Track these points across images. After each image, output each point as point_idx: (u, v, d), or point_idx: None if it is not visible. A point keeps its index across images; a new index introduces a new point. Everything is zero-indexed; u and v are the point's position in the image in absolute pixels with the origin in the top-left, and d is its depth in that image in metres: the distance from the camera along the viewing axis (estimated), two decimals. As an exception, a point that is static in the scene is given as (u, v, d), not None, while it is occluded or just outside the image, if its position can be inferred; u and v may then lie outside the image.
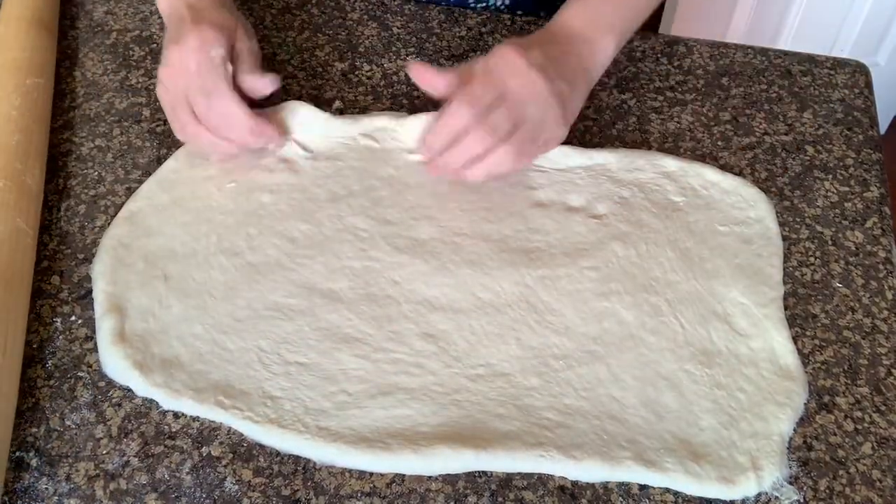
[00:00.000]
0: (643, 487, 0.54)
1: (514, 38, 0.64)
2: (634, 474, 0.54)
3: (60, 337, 0.60)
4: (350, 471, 0.54)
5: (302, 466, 0.55)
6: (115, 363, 0.57)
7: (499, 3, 0.85)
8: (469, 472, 0.55)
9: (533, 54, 0.62)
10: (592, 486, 0.54)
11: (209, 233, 0.65)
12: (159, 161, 0.70)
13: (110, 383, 0.58)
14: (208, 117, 0.64)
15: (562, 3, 0.70)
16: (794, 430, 0.57)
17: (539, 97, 0.62)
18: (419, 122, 0.69)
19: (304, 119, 0.71)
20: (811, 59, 0.81)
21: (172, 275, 0.62)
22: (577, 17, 0.67)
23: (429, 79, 0.64)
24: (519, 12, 0.85)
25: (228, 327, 0.60)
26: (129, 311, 0.60)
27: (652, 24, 1.81)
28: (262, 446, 0.55)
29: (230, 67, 0.64)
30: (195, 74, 0.63)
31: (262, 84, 0.67)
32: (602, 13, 0.67)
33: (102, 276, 0.61)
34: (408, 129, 0.70)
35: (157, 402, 0.57)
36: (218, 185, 0.68)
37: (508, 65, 0.62)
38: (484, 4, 0.85)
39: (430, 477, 0.54)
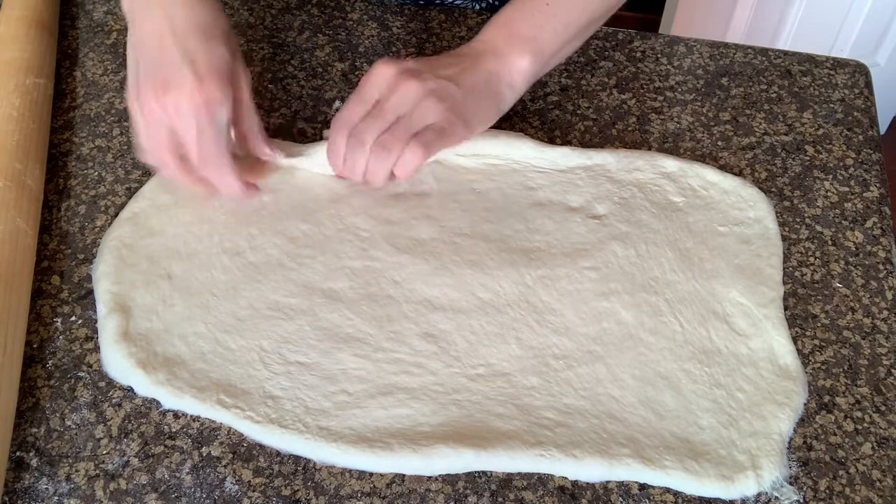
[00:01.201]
0: (643, 487, 0.54)
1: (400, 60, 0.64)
2: (634, 472, 0.54)
3: (60, 337, 0.60)
4: (350, 471, 0.54)
5: (302, 466, 0.55)
6: (119, 362, 0.57)
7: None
8: (469, 472, 0.55)
9: (406, 64, 0.62)
10: (592, 486, 0.54)
11: (211, 233, 0.65)
12: (159, 161, 0.70)
13: (110, 383, 0.58)
14: (199, 169, 0.61)
15: None
16: (794, 430, 0.57)
17: (406, 95, 0.61)
18: None
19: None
20: (811, 59, 0.81)
21: (176, 274, 0.62)
22: (490, 33, 0.67)
23: (333, 167, 0.64)
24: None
25: (230, 326, 0.60)
26: (133, 310, 0.60)
27: (652, 24, 1.81)
28: (262, 446, 0.55)
29: (232, 133, 0.62)
30: (193, 134, 0.58)
31: (267, 155, 0.65)
32: (518, 29, 0.66)
33: (106, 277, 0.62)
34: None
35: (157, 403, 0.57)
36: (218, 186, 0.68)
37: (373, 77, 0.62)
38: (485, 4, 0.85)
39: (430, 477, 0.54)
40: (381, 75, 0.62)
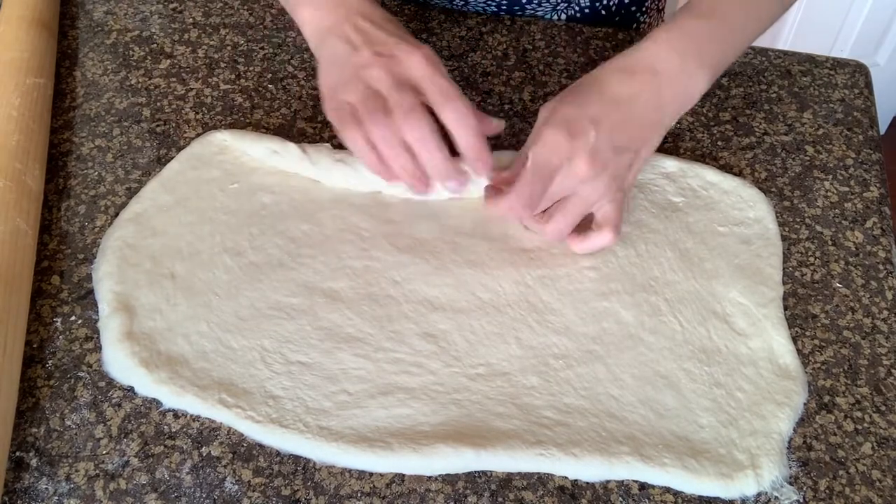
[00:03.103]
0: (643, 487, 0.54)
1: (575, 86, 0.61)
2: (633, 471, 0.54)
3: (60, 337, 0.60)
4: (350, 471, 0.54)
5: (302, 466, 0.55)
6: (122, 361, 0.57)
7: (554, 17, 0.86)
8: (469, 472, 0.55)
9: (579, 127, 0.57)
10: (592, 486, 0.54)
11: (213, 233, 0.65)
12: (159, 161, 0.70)
13: (110, 383, 0.58)
14: (440, 113, 0.57)
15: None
16: (794, 430, 0.57)
17: (584, 179, 0.58)
18: None
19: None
20: (811, 60, 0.81)
21: (179, 273, 0.62)
22: (664, 45, 0.61)
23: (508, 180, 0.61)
24: (517, 9, 0.85)
25: (232, 326, 0.60)
26: (137, 309, 0.60)
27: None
28: (262, 446, 0.55)
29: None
30: (412, 92, 0.56)
31: (493, 126, 0.62)
32: (695, 42, 0.61)
33: (109, 276, 0.62)
34: None
35: (157, 403, 0.57)
36: (220, 186, 0.68)
37: (554, 154, 0.58)
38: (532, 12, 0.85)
39: (430, 477, 0.54)
40: (558, 152, 0.58)
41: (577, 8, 0.87)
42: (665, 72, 0.60)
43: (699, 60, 0.61)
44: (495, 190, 0.61)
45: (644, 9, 0.90)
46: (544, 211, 0.61)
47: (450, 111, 0.56)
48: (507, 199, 0.58)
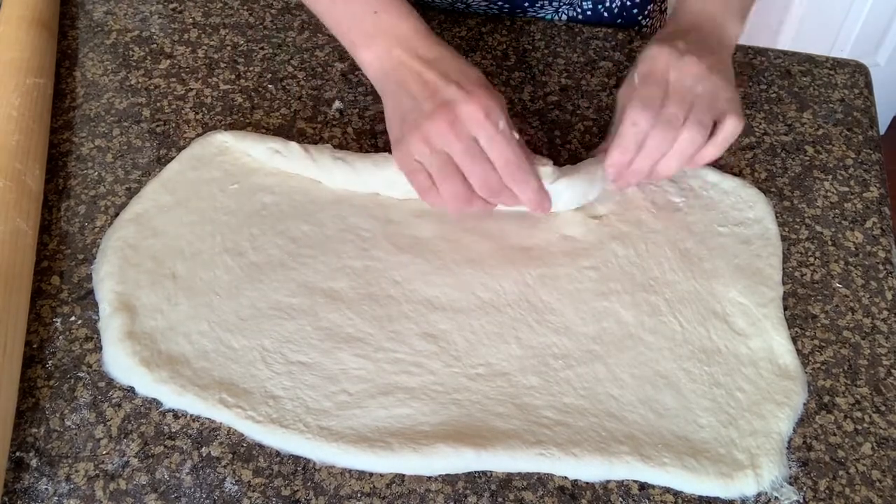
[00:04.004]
0: (643, 487, 0.54)
1: (654, 38, 0.65)
2: (633, 470, 0.54)
3: (60, 337, 0.60)
4: (350, 471, 0.54)
5: (302, 466, 0.55)
6: (123, 360, 0.57)
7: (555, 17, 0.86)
8: (469, 472, 0.55)
9: (678, 44, 0.62)
10: (592, 486, 0.54)
11: (213, 233, 0.65)
12: (159, 161, 0.70)
13: (110, 384, 0.58)
14: (504, 180, 0.60)
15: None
16: (794, 430, 0.57)
17: (700, 76, 0.61)
18: None
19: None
20: (811, 60, 0.81)
21: (180, 273, 0.62)
22: (700, 4, 0.67)
23: (618, 160, 0.63)
24: (519, 11, 0.85)
25: (233, 326, 0.60)
26: (138, 308, 0.60)
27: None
28: (261, 446, 0.55)
29: (517, 136, 0.61)
30: (476, 152, 0.58)
31: (541, 171, 0.63)
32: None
33: (110, 276, 0.62)
34: None
35: (157, 403, 0.57)
36: (221, 187, 0.68)
37: (662, 60, 0.62)
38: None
39: (429, 477, 0.54)
40: (667, 57, 0.62)
41: (578, 10, 0.87)
42: (705, 25, 0.66)
43: (730, 12, 0.67)
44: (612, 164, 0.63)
45: (647, 12, 0.90)
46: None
47: (512, 182, 0.60)
48: (638, 117, 0.61)
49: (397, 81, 0.61)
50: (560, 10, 0.86)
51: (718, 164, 0.71)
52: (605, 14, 0.88)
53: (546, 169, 0.63)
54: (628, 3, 0.88)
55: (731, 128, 0.62)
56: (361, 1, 0.63)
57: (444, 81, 0.59)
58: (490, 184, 0.60)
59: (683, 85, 0.61)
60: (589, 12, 0.87)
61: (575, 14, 0.87)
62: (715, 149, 0.62)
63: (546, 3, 0.85)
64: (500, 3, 0.83)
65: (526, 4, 0.84)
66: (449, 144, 0.58)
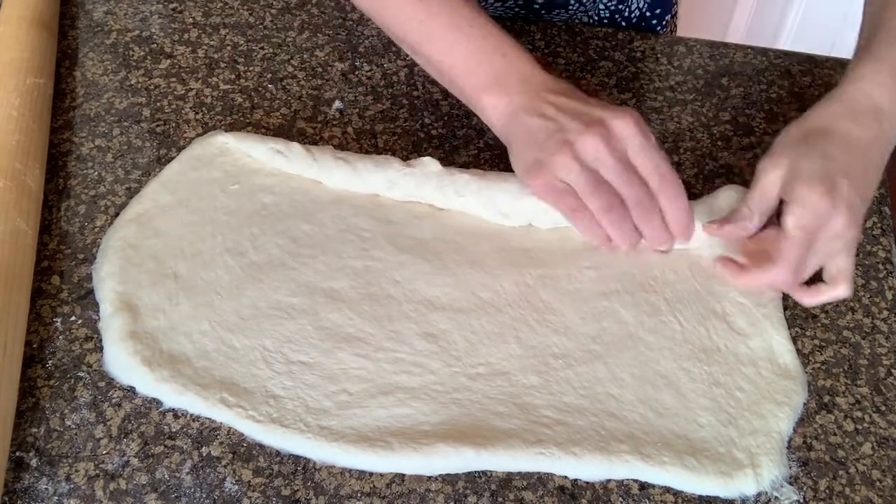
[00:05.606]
0: (643, 487, 0.54)
1: (801, 136, 0.59)
2: (633, 469, 0.54)
3: (60, 337, 0.60)
4: (350, 471, 0.54)
5: (302, 466, 0.55)
6: (124, 360, 0.57)
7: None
8: (469, 472, 0.55)
9: (833, 181, 0.56)
10: (592, 486, 0.54)
11: (214, 233, 0.65)
12: (159, 161, 0.70)
13: (110, 383, 0.58)
14: (657, 195, 0.58)
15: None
16: (794, 430, 0.57)
17: (844, 237, 0.57)
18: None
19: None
20: (811, 59, 0.81)
21: (182, 273, 0.62)
22: (872, 82, 0.60)
23: (730, 232, 0.60)
24: (532, 17, 0.84)
25: (234, 325, 0.60)
26: (139, 308, 0.60)
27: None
28: (261, 446, 0.55)
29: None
30: (628, 163, 0.57)
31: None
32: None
33: (112, 276, 0.62)
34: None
35: (157, 403, 0.57)
36: (221, 187, 0.68)
37: (814, 216, 0.56)
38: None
39: (429, 477, 0.54)
40: (818, 210, 0.56)
41: (595, 20, 0.86)
42: (885, 110, 0.59)
43: None
44: (732, 262, 0.60)
45: (664, 22, 0.89)
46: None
47: (664, 196, 0.58)
48: (774, 273, 0.57)
49: (529, 112, 0.59)
50: (574, 17, 0.85)
51: (718, 164, 0.71)
52: (623, 24, 0.87)
53: None
54: (647, 14, 0.87)
55: (833, 294, 0.59)
56: (487, 45, 0.61)
57: (584, 105, 0.58)
58: (642, 200, 0.57)
59: (829, 248, 0.57)
60: (606, 21, 0.87)
61: (592, 22, 0.87)
62: (810, 300, 0.60)
63: (563, 11, 0.84)
64: (515, 10, 0.83)
65: (542, 12, 0.84)
66: (602, 160, 0.56)
